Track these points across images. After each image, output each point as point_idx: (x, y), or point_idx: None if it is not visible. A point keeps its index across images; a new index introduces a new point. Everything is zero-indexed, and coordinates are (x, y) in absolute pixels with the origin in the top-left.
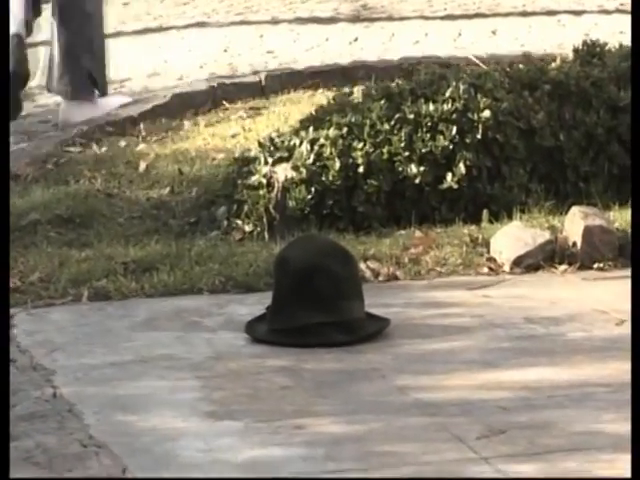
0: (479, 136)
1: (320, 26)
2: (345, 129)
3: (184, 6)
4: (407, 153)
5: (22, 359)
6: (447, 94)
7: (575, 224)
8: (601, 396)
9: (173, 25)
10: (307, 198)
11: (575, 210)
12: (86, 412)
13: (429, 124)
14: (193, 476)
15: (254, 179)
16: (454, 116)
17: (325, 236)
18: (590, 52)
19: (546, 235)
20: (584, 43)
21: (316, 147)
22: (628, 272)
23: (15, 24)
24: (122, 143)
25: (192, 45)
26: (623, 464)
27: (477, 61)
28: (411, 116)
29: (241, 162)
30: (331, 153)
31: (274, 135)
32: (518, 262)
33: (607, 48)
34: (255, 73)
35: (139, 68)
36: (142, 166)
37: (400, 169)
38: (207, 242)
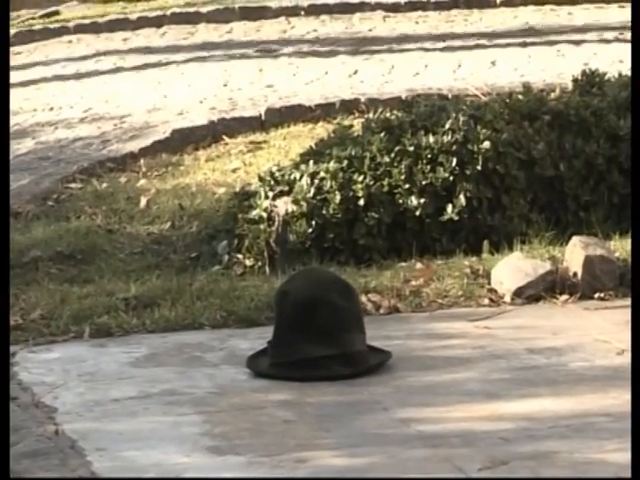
0: (479, 167)
1: (320, 59)
2: (345, 162)
3: (184, 41)
4: (407, 185)
5: (24, 397)
6: (447, 126)
7: (576, 254)
8: (603, 426)
9: (173, 60)
10: (308, 231)
11: (576, 240)
12: (88, 449)
13: (429, 156)
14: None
15: (255, 213)
16: (454, 147)
17: (326, 269)
18: (589, 82)
19: (547, 265)
20: (583, 73)
21: (316, 180)
22: (629, 301)
23: None
24: (123, 179)
25: (192, 80)
26: None
27: (477, 92)
28: (411, 148)
29: (242, 196)
30: (331, 186)
31: (274, 169)
32: (519, 293)
33: (606, 77)
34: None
35: (139, 103)
36: (143, 202)
37: (401, 201)
38: (208, 277)
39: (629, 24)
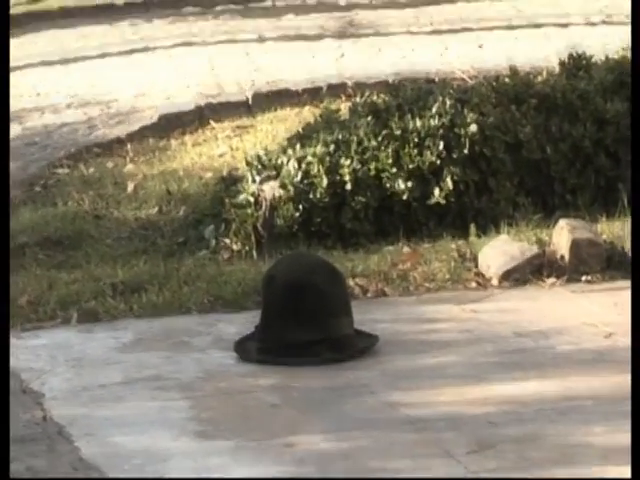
0: (466, 151)
1: (306, 43)
2: (332, 146)
3: (170, 25)
4: (394, 169)
5: (12, 382)
6: (434, 109)
7: (563, 237)
8: (590, 409)
9: (159, 45)
10: (295, 216)
11: (562, 223)
12: (76, 434)
13: (416, 140)
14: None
15: (242, 197)
16: (441, 131)
17: (313, 253)
18: (576, 65)
19: (534, 249)
20: (570, 56)
21: (303, 165)
22: (616, 284)
23: None
24: (110, 164)
25: (178, 64)
26: (613, 476)
27: (463, 75)
28: (398, 132)
29: (229, 181)
30: (318, 170)
31: (261, 153)
32: (506, 276)
33: (593, 60)
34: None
35: (126, 88)
36: (130, 186)
37: (387, 185)
38: (195, 261)
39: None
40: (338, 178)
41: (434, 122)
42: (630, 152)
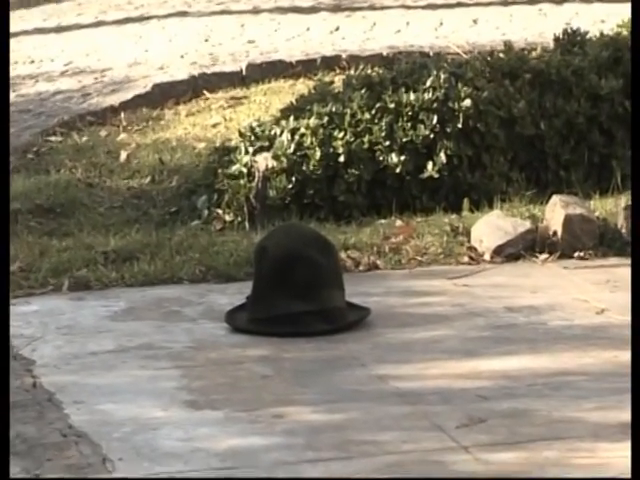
0: (460, 125)
1: (301, 15)
2: (326, 118)
3: None
4: (388, 142)
5: None
6: (428, 83)
7: (556, 213)
8: (581, 384)
9: (154, 15)
10: (288, 187)
11: (556, 199)
12: (66, 401)
13: (410, 113)
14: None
15: (235, 168)
16: (435, 105)
17: (305, 225)
18: (571, 41)
19: (527, 224)
20: (565, 32)
21: (297, 137)
22: (609, 261)
23: None
24: (103, 133)
25: (173, 35)
26: (603, 452)
27: (458, 50)
28: (392, 105)
29: (222, 151)
30: (312, 142)
31: (255, 124)
32: (499, 251)
33: (588, 37)
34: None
35: (120, 57)
36: (123, 156)
37: (381, 158)
38: (188, 231)
39: None
40: (331, 150)
41: (428, 96)
42: (624, 129)
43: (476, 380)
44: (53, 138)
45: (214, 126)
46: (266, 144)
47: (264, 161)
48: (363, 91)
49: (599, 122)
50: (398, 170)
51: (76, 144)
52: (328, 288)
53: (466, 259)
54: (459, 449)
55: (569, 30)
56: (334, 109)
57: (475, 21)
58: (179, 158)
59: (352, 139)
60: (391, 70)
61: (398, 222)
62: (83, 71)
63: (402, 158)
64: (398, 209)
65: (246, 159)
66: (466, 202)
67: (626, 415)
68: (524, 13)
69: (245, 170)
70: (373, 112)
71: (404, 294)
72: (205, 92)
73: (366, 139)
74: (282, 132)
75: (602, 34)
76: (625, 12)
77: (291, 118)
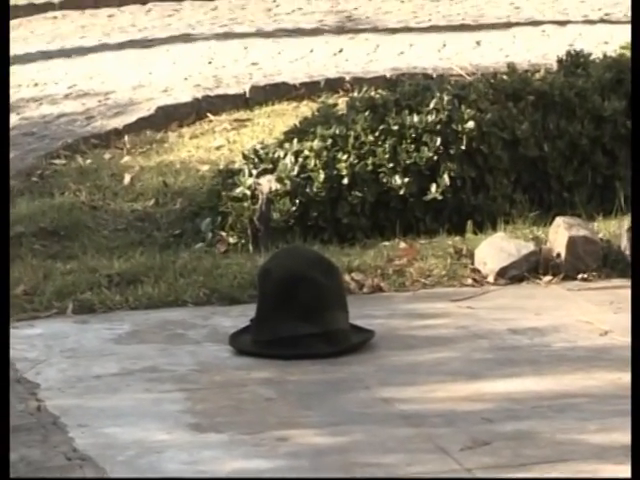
0: (463, 147)
1: (304, 38)
2: (329, 141)
3: (169, 18)
4: (391, 164)
5: None
6: (431, 105)
7: (559, 235)
8: (585, 406)
9: (158, 37)
10: (291, 210)
11: (559, 221)
12: (70, 425)
13: (413, 135)
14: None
15: (238, 191)
16: (438, 127)
17: (309, 247)
18: (574, 62)
19: (530, 246)
20: (568, 53)
21: (300, 159)
22: (612, 282)
23: None
24: (107, 155)
25: (177, 57)
26: (607, 474)
27: (461, 72)
28: (395, 127)
29: (225, 174)
30: (315, 165)
31: (258, 147)
32: (502, 273)
33: (591, 58)
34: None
35: (124, 80)
36: (127, 178)
37: (384, 180)
38: (191, 254)
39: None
40: (335, 173)
41: (431, 118)
42: (627, 150)
43: (480, 402)
44: (57, 161)
45: (218, 148)
46: (270, 166)
47: (268, 183)
48: (367, 113)
49: (602, 143)
50: (402, 192)
51: (80, 167)
52: (332, 310)
53: (470, 281)
54: (463, 471)
55: (572, 52)
56: (338, 131)
57: (478, 43)
58: (183, 181)
59: (356, 161)
60: (394, 92)
61: (402, 244)
62: (87, 94)
63: (406, 180)
64: (402, 231)
65: (250, 181)
66: (469, 224)
67: (629, 437)
68: (527, 34)
69: (249, 192)
70: (376, 134)
71: (408, 316)
72: (209, 114)
73: (370, 161)
74: (286, 154)
75: (605, 55)
76: (628, 33)
77: (295, 140)
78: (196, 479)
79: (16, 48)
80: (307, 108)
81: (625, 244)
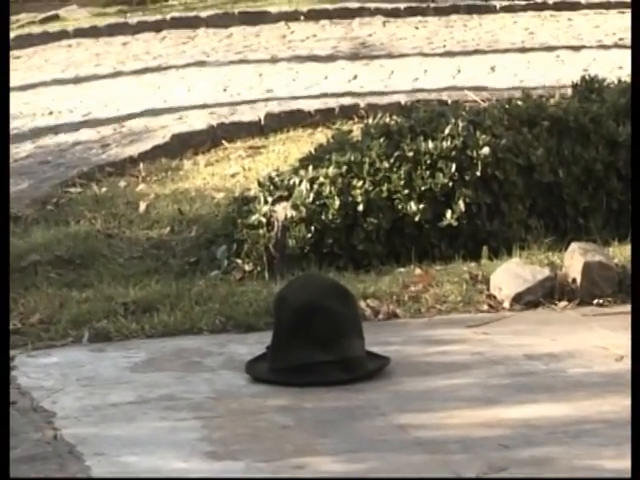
0: (478, 173)
1: (319, 64)
2: (344, 167)
3: (183, 45)
4: (406, 191)
5: (23, 401)
6: (446, 131)
7: (575, 260)
8: (601, 432)
9: (172, 65)
10: (307, 237)
11: (574, 246)
12: (87, 453)
13: (428, 162)
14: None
15: (254, 218)
16: (453, 153)
17: (325, 275)
18: (589, 88)
19: (546, 271)
20: (583, 79)
21: (315, 186)
22: (627, 307)
23: None
24: (122, 183)
25: (191, 84)
26: None
27: (476, 98)
28: (410, 154)
29: (241, 201)
30: (330, 192)
31: (274, 174)
32: (518, 299)
33: (606, 83)
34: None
35: (139, 108)
36: (142, 206)
37: (400, 207)
38: (207, 282)
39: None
40: (350, 199)
41: (446, 144)
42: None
43: (496, 428)
44: (72, 189)
45: (233, 176)
46: (285, 194)
47: (283, 211)
48: (381, 140)
49: (617, 168)
50: (417, 218)
51: (95, 195)
52: (348, 337)
53: (485, 307)
54: None
55: (587, 77)
56: (353, 158)
57: (493, 68)
58: (198, 208)
59: (371, 188)
60: (409, 118)
61: (417, 270)
62: (102, 122)
63: (421, 206)
64: (417, 257)
65: (265, 209)
66: (485, 250)
67: None
68: (542, 60)
69: (264, 220)
70: (392, 161)
71: (423, 343)
72: (224, 142)
73: (385, 188)
74: (301, 181)
75: (620, 80)
76: None
77: (310, 167)
78: (196, 479)
79: (31, 76)
80: (322, 135)
81: None
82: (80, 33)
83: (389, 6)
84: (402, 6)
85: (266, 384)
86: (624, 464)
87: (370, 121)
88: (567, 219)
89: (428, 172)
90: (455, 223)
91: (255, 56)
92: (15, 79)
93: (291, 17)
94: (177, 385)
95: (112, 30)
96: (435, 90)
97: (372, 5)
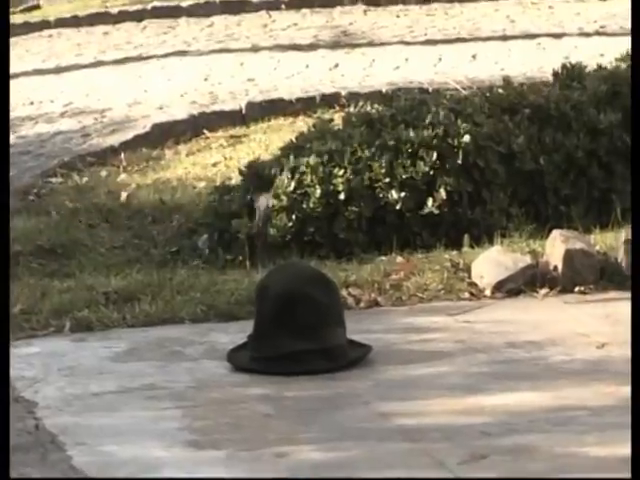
0: (459, 161)
1: (300, 53)
2: (326, 156)
3: (164, 35)
4: (388, 179)
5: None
6: (427, 120)
7: (556, 248)
8: (583, 419)
9: (153, 54)
10: (288, 225)
11: (556, 234)
12: (68, 443)
13: (409, 150)
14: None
15: (235, 207)
16: (434, 142)
17: (306, 263)
18: (570, 75)
19: (527, 259)
20: (564, 66)
21: (297, 175)
22: (609, 295)
23: None
24: (103, 173)
25: (172, 74)
26: None
27: (457, 86)
28: (391, 142)
29: (222, 190)
30: (312, 180)
31: (255, 163)
32: (499, 287)
33: (587, 71)
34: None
35: (120, 98)
36: (123, 196)
37: (381, 195)
38: (189, 271)
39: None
40: (331, 188)
41: (427, 132)
42: (623, 163)
43: (478, 416)
44: (53, 179)
45: (214, 165)
46: (266, 183)
47: (264, 200)
48: (363, 128)
49: (598, 156)
50: (398, 207)
51: (76, 185)
52: (329, 326)
53: (467, 295)
54: None
55: (568, 64)
56: (334, 147)
57: (474, 56)
58: (179, 198)
59: (352, 176)
60: (390, 107)
61: (399, 259)
62: (83, 111)
63: (402, 195)
64: (399, 246)
65: (246, 198)
66: (466, 238)
67: (628, 450)
68: (523, 48)
69: (245, 209)
70: (373, 149)
71: (405, 331)
72: (205, 131)
73: (366, 176)
74: (282, 170)
75: (601, 68)
76: (624, 46)
77: (291, 156)
78: (195, 479)
79: (12, 66)
80: (303, 124)
81: (622, 256)
82: (61, 23)
83: None
84: None
85: (248, 373)
86: (606, 451)
87: (351, 110)
88: (548, 207)
89: (409, 160)
90: (436, 211)
91: (236, 45)
92: None
93: (272, 6)
94: (158, 374)
95: (93, 20)
96: (417, 79)
97: None
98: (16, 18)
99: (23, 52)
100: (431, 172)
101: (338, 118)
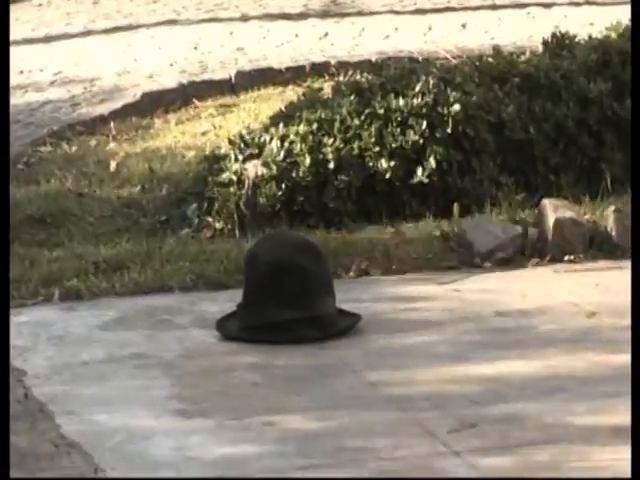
0: (449, 130)
1: (290, 22)
2: (315, 125)
3: (154, 4)
4: (377, 148)
5: None
6: (417, 88)
7: (546, 217)
8: (572, 388)
9: (143, 23)
10: (277, 194)
11: (545, 203)
12: (57, 412)
13: (399, 119)
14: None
15: (225, 176)
16: (424, 110)
17: (295, 232)
18: (559, 44)
19: (517, 228)
20: (553, 35)
21: (286, 143)
22: (598, 264)
23: None
24: (92, 142)
25: (162, 43)
26: (595, 456)
27: (447, 55)
28: (381, 111)
29: (212, 159)
30: (301, 149)
31: (244, 132)
32: (489, 255)
33: (577, 40)
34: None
35: (109, 66)
36: (113, 165)
37: (370, 164)
38: (178, 240)
39: None
40: (321, 157)
41: (417, 101)
42: (613, 132)
43: (467, 385)
44: (43, 148)
45: (204, 134)
46: (256, 151)
47: (254, 168)
48: (352, 97)
49: (588, 125)
50: (388, 176)
51: (66, 154)
52: (319, 295)
53: (456, 264)
54: (451, 454)
55: (558, 34)
56: (323, 115)
57: (464, 25)
58: (169, 167)
59: (341, 145)
60: (380, 76)
61: (388, 228)
62: (72, 80)
63: (392, 164)
64: (388, 215)
65: (236, 167)
66: (456, 207)
67: (617, 418)
68: (513, 17)
69: (235, 178)
70: (362, 118)
71: (395, 300)
72: (194, 100)
73: (355, 145)
74: (271, 139)
75: (590, 37)
76: (613, 15)
77: (280, 125)
78: (194, 479)
79: None
80: (293, 93)
81: (611, 226)
82: None
83: None
84: None
85: (237, 342)
86: (594, 419)
87: (341, 78)
88: (538, 176)
89: (399, 129)
90: (426, 180)
91: (226, 14)
92: None
93: None
94: (147, 343)
95: None
96: (406, 48)
97: None
98: None
99: (13, 20)
100: (421, 141)
101: (328, 87)
